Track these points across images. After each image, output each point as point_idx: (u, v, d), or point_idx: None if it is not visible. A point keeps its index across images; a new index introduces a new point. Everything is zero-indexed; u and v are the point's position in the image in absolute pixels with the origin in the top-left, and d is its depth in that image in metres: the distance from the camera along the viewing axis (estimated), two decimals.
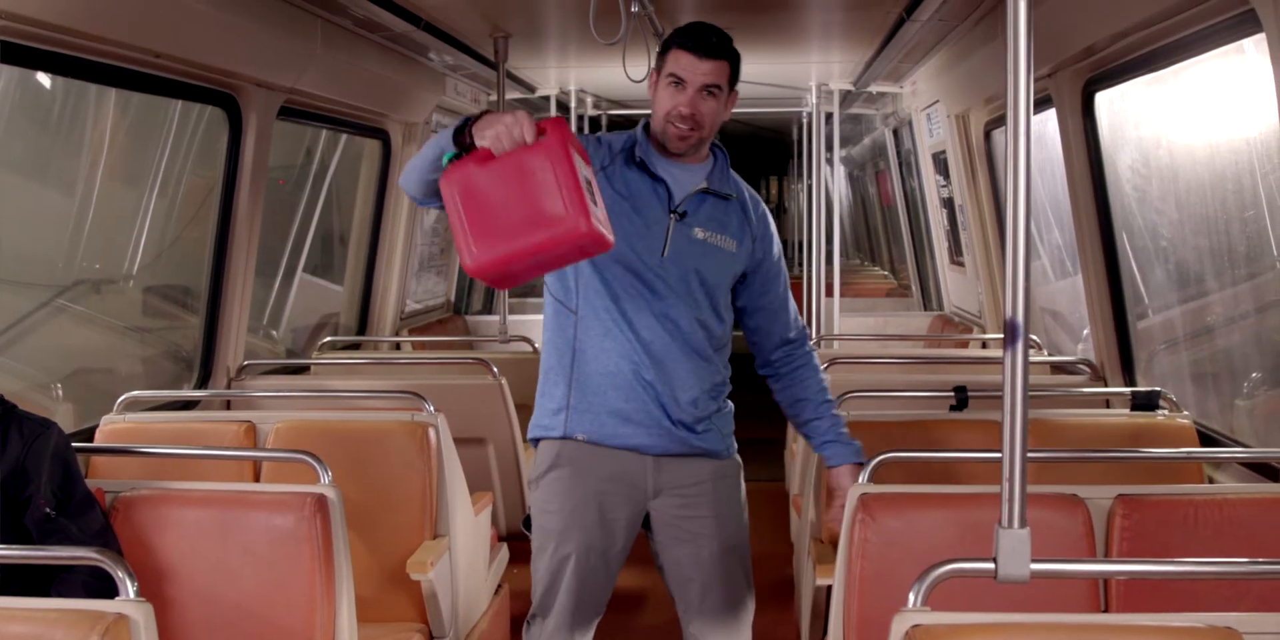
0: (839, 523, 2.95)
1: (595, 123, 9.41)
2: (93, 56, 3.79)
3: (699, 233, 2.98)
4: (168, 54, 4.04)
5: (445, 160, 2.67)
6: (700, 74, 2.88)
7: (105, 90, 5.01)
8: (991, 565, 2.07)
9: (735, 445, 3.24)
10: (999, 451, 3.39)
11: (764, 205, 3.14)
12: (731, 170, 3.10)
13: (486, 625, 4.00)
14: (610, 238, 2.66)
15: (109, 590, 2.46)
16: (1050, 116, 4.81)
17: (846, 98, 8.16)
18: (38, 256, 5.15)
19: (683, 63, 2.88)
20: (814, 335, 7.58)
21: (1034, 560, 2.06)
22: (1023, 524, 2.04)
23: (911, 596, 2.14)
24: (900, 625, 2.07)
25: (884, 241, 12.67)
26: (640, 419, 2.97)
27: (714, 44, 2.89)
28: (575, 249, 2.66)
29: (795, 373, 3.25)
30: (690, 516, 3.09)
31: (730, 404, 3.22)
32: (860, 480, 3.04)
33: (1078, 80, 4.52)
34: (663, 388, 2.97)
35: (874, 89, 7.84)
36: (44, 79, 4.88)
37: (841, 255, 8.07)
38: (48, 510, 2.64)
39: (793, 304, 3.24)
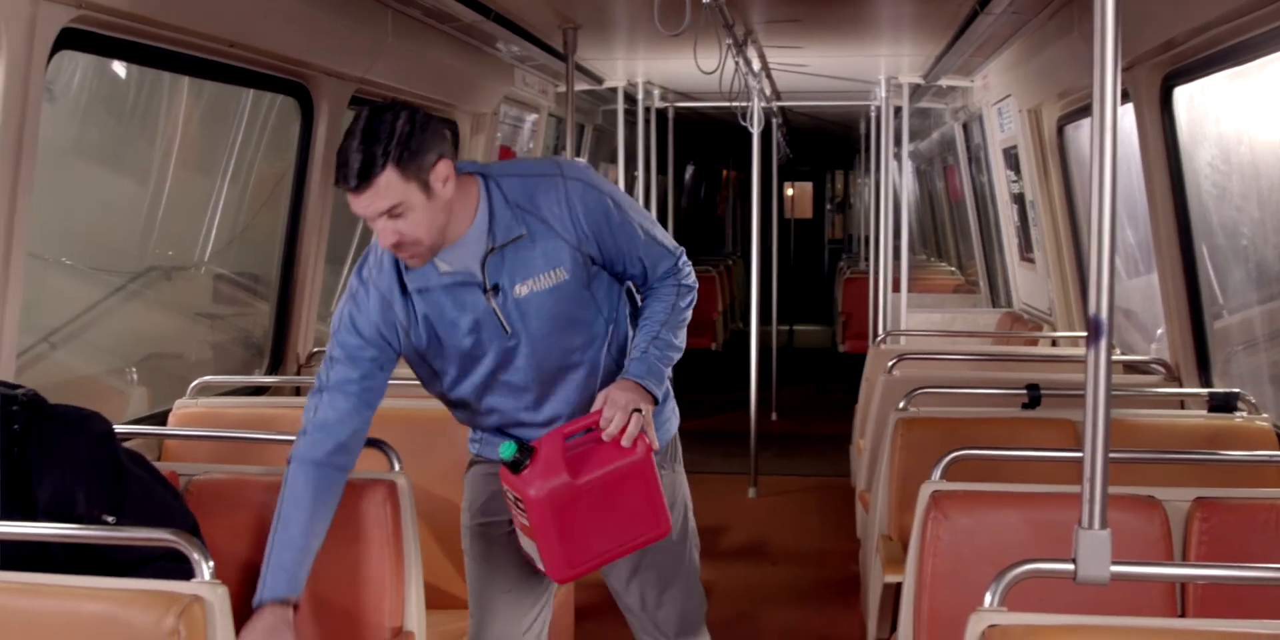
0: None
1: (661, 115, 9.40)
2: (168, 45, 3.82)
3: (520, 289, 2.67)
4: (241, 43, 4.07)
5: (507, 456, 2.58)
6: (365, 207, 2.49)
7: (179, 79, 5.06)
8: (1070, 566, 2.04)
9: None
10: (1075, 450, 3.36)
11: (567, 188, 2.69)
12: (510, 179, 2.69)
13: (551, 614, 4.00)
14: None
15: (184, 576, 2.48)
16: (1125, 111, 4.74)
17: (916, 91, 8.08)
18: (112, 244, 5.22)
19: (352, 204, 2.51)
20: (880, 331, 7.55)
21: (1113, 562, 2.03)
22: (1103, 525, 2.01)
23: (988, 596, 2.11)
24: (976, 625, 2.05)
25: (951, 237, 12.57)
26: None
27: (355, 171, 2.44)
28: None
29: (645, 302, 2.92)
30: None
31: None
32: (933, 478, 3.00)
33: (1156, 75, 4.44)
34: (570, 416, 2.82)
35: (944, 83, 7.77)
36: (119, 68, 4.93)
37: (908, 251, 8.00)
38: (107, 518, 2.56)
39: (659, 245, 2.85)
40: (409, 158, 2.47)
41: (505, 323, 2.68)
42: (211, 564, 2.26)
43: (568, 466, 2.58)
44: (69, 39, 3.25)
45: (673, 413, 3.05)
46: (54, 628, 2.20)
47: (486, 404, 2.82)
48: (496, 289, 2.66)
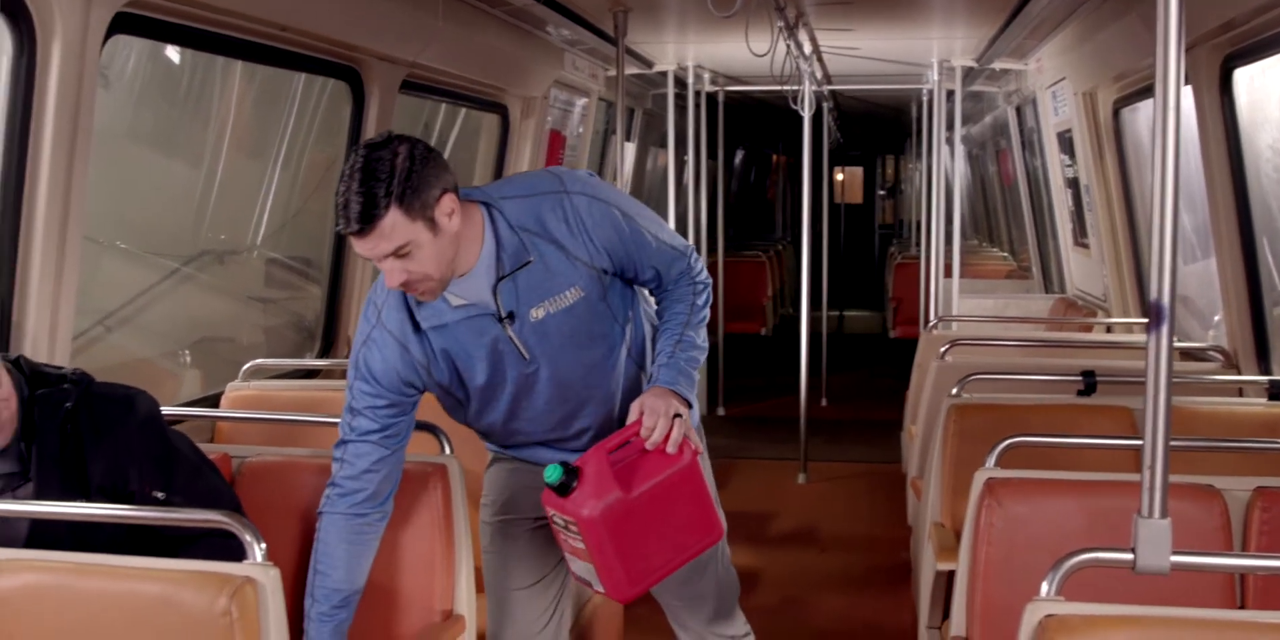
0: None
1: (711, 99, 9.35)
2: (220, 29, 3.84)
3: (536, 313, 2.60)
4: (293, 27, 4.07)
5: (554, 479, 2.50)
6: (370, 249, 2.39)
7: (231, 64, 5.08)
8: (1129, 556, 2.01)
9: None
10: (1132, 438, 3.32)
11: (572, 202, 2.60)
12: (513, 202, 2.60)
13: (601, 599, 4.00)
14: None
15: (233, 556, 2.49)
16: (1184, 94, 4.66)
17: (969, 75, 8.00)
18: (165, 227, 5.25)
19: (356, 247, 2.42)
20: (932, 316, 7.49)
21: (1173, 552, 1.99)
22: (1163, 514, 1.97)
23: (1045, 585, 2.08)
24: (1033, 614, 2.02)
25: (1004, 222, 12.46)
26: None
27: (360, 212, 2.33)
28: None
29: (662, 305, 2.86)
30: None
31: None
32: (987, 465, 2.97)
33: (1216, 56, 4.36)
34: (599, 428, 2.80)
35: (997, 66, 7.69)
36: (173, 54, 4.95)
37: (960, 236, 7.93)
38: (157, 494, 2.59)
39: (670, 248, 2.76)
40: (412, 195, 2.36)
41: (523, 349, 2.61)
42: (264, 546, 2.27)
43: (617, 482, 2.51)
44: (123, 23, 3.27)
45: (693, 403, 3.01)
46: (109, 607, 2.23)
47: (513, 428, 2.77)
48: (511, 316, 2.59)
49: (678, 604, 3.03)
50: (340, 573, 2.62)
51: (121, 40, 3.56)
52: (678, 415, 2.58)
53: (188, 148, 5.51)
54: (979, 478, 2.90)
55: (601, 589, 2.57)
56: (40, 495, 2.49)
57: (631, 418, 2.60)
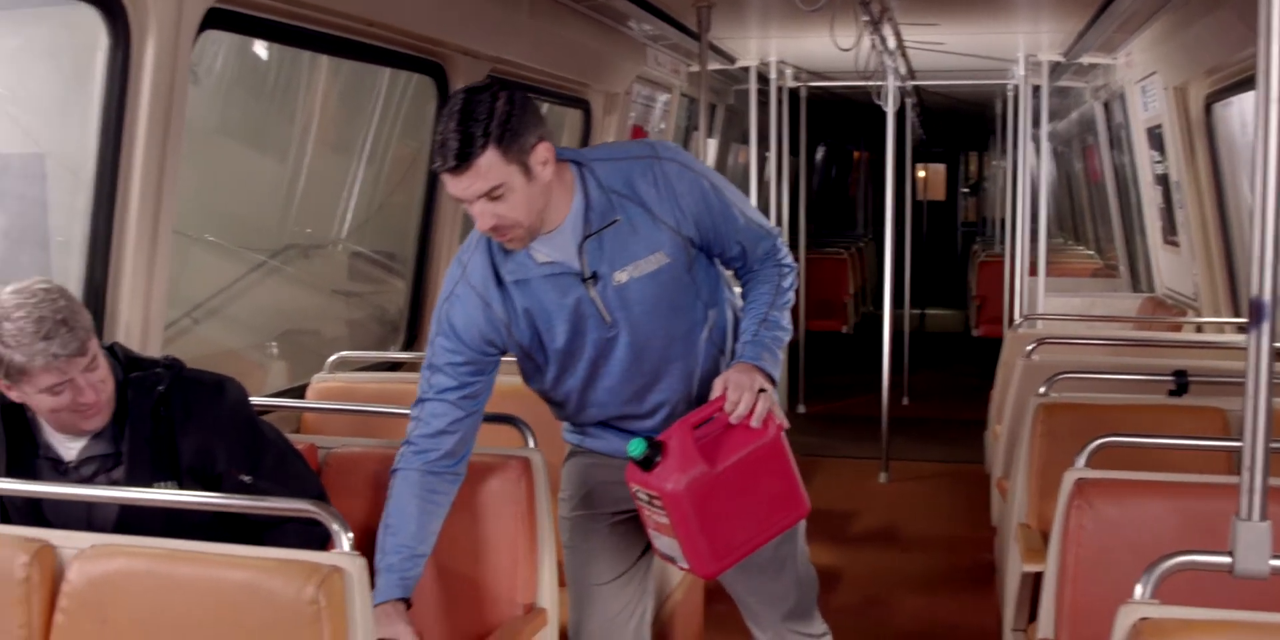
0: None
1: (794, 95, 9.30)
2: (308, 25, 3.87)
3: (620, 276, 2.58)
4: (379, 22, 4.10)
5: (637, 453, 2.49)
6: (466, 188, 2.40)
7: (317, 60, 5.13)
8: (1227, 559, 1.96)
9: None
10: (1226, 439, 3.25)
11: (662, 168, 2.60)
12: (605, 164, 2.61)
13: (682, 595, 4.00)
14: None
15: (320, 541, 2.52)
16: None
17: (1055, 70, 7.89)
18: (253, 221, 5.32)
19: (449, 184, 2.42)
20: (1017, 315, 7.40)
21: (1272, 555, 1.95)
22: (1263, 517, 1.93)
23: (1139, 588, 2.04)
24: (1126, 617, 1.98)
25: (1090, 220, 12.27)
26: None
27: (455, 152, 2.36)
28: None
29: (747, 287, 2.85)
30: None
31: None
32: (1077, 465, 2.92)
33: None
34: (675, 405, 2.76)
35: (1085, 60, 7.57)
36: (260, 49, 5.02)
37: (1045, 234, 7.82)
38: (243, 478, 2.63)
39: (758, 226, 2.75)
40: (510, 138, 2.39)
41: (605, 311, 2.59)
42: (351, 535, 2.28)
43: (702, 456, 2.50)
44: (215, 18, 3.31)
45: (776, 383, 2.98)
46: (197, 594, 2.25)
47: (589, 399, 2.75)
48: (595, 277, 2.58)
49: (754, 600, 3.00)
50: (411, 529, 2.62)
51: (211, 36, 3.60)
52: (762, 390, 2.57)
53: (275, 143, 5.58)
54: (1069, 478, 2.85)
55: (686, 565, 2.55)
56: (131, 474, 2.55)
57: (715, 393, 2.59)
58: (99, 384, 2.51)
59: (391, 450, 2.85)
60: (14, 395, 2.50)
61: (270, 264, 5.17)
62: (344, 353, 4.25)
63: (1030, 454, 3.68)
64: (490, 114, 2.37)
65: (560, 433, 2.97)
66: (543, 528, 2.92)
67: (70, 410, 2.49)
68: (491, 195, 2.41)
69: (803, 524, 2.96)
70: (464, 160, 2.36)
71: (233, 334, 4.87)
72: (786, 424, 2.65)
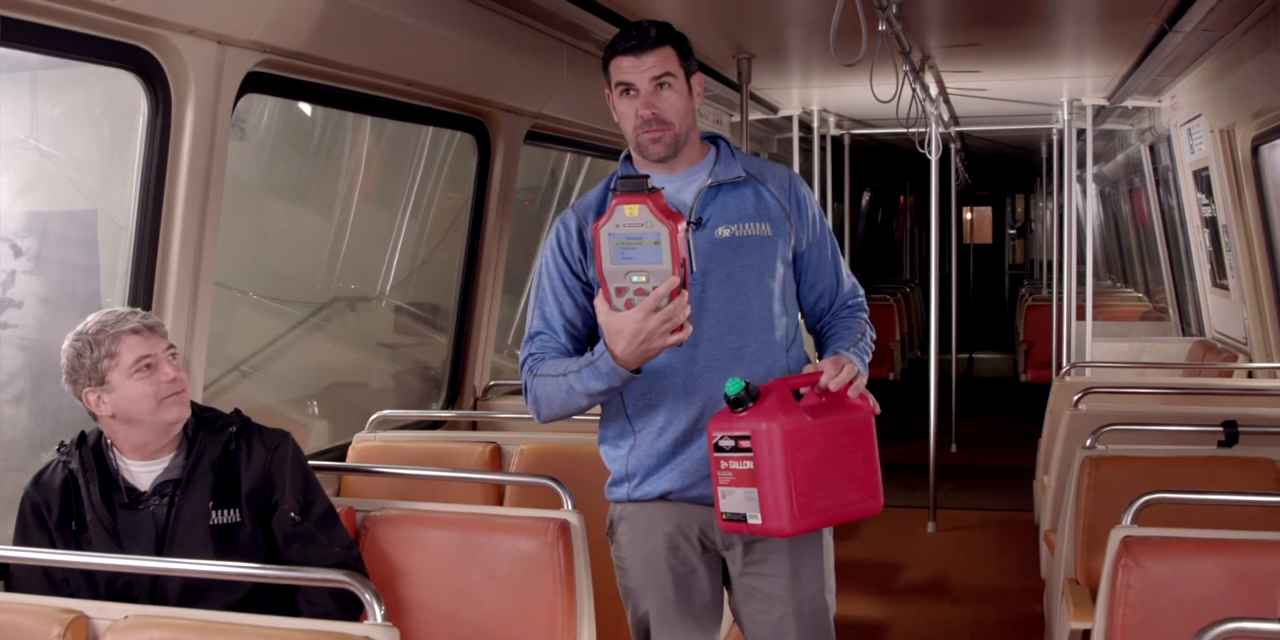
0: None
1: (837, 142, 9.30)
2: (349, 86, 3.91)
3: (723, 231, 2.70)
4: (420, 83, 4.14)
5: (734, 391, 2.47)
6: (644, 69, 2.61)
7: (361, 116, 5.18)
8: (1277, 626, 1.90)
9: None
10: (1277, 494, 3.17)
11: (798, 179, 2.82)
12: (741, 154, 2.82)
13: None
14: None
15: (354, 602, 2.51)
16: None
17: (1100, 113, 7.86)
18: (298, 275, 5.36)
19: (624, 67, 2.63)
20: (1065, 362, 7.31)
21: None
22: None
23: None
24: None
25: (1138, 262, 12.15)
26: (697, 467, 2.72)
27: (649, 34, 2.62)
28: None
29: (832, 326, 2.88)
30: (759, 574, 2.78)
31: None
32: (1124, 522, 2.86)
33: None
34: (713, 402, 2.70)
35: (1130, 104, 7.52)
36: (305, 107, 5.07)
37: (1093, 277, 7.75)
38: (293, 515, 2.75)
39: (848, 275, 2.91)
40: (684, 49, 2.67)
41: (693, 259, 2.61)
42: (383, 609, 2.26)
43: (800, 408, 2.49)
44: (255, 82, 3.35)
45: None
46: None
47: (654, 367, 2.64)
48: (700, 224, 2.69)
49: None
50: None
51: (256, 95, 3.64)
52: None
53: (320, 198, 5.62)
54: (1115, 536, 2.79)
55: (758, 520, 2.47)
56: (190, 492, 2.69)
57: (808, 371, 2.61)
58: (181, 370, 2.70)
59: (431, 514, 2.84)
60: (104, 405, 2.64)
61: (312, 320, 5.19)
62: (385, 412, 4.26)
63: (1077, 508, 3.62)
64: (670, 27, 2.67)
65: (601, 495, 2.91)
66: (581, 591, 2.89)
67: (160, 397, 2.65)
68: (660, 81, 2.62)
69: (827, 623, 2.87)
70: (656, 42, 2.61)
71: (274, 391, 4.88)
72: (879, 410, 2.62)
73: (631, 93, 2.64)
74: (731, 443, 2.48)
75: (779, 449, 2.43)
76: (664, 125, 2.64)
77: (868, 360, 2.77)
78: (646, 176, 2.45)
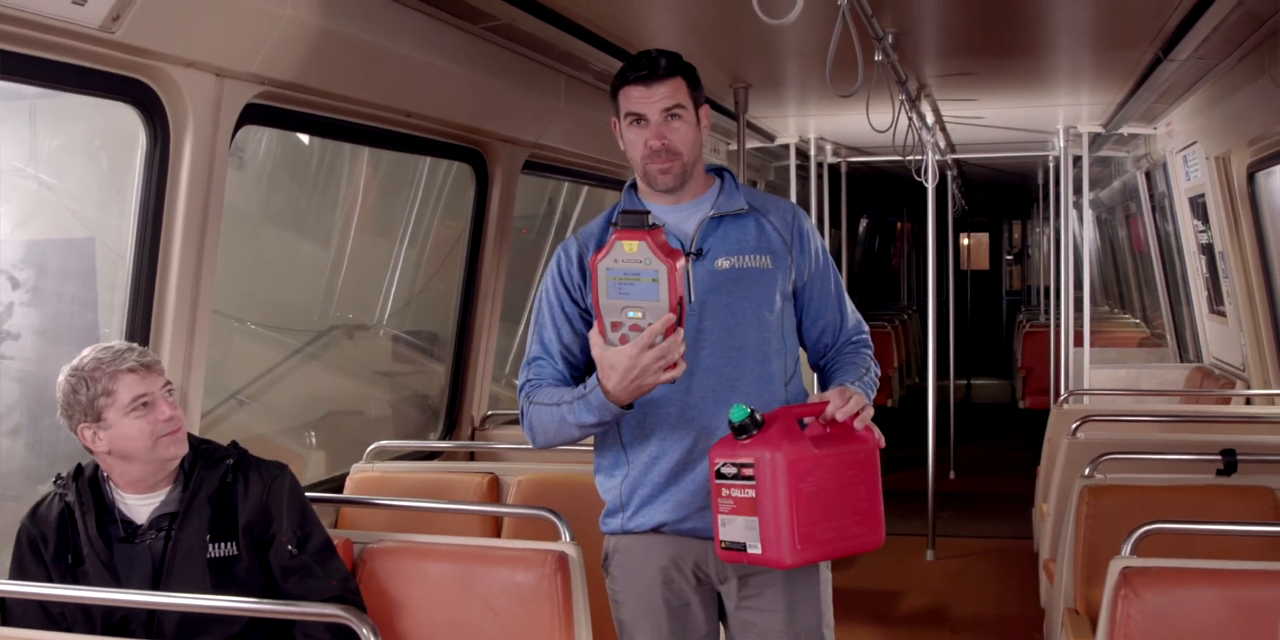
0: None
1: (834, 170, 9.32)
2: (346, 117, 3.92)
3: (723, 262, 2.70)
4: (418, 113, 4.15)
5: (739, 417, 2.46)
6: (655, 100, 2.64)
7: (358, 147, 5.19)
8: None
9: None
10: (1276, 524, 3.17)
11: (801, 214, 2.84)
12: (746, 187, 2.84)
13: None
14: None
15: (351, 635, 2.50)
16: None
17: (1095, 140, 7.87)
18: (296, 304, 5.36)
19: (634, 97, 2.66)
20: (1063, 388, 7.30)
21: None
22: None
23: None
24: None
25: (1135, 288, 12.17)
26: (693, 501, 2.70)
27: (659, 65, 2.65)
28: None
29: (837, 361, 2.88)
30: (755, 608, 2.76)
31: None
32: (1123, 553, 2.85)
33: None
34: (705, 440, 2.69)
35: (1125, 131, 7.55)
36: (303, 136, 5.08)
37: (1090, 302, 7.76)
38: (290, 548, 2.75)
39: (852, 310, 2.92)
40: (694, 81, 2.71)
41: (691, 289, 2.65)
42: None
43: (804, 438, 2.47)
44: (253, 114, 3.36)
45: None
46: None
47: (651, 403, 2.65)
48: (700, 254, 2.70)
49: None
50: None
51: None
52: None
53: (317, 227, 5.63)
54: (1114, 567, 2.79)
55: (758, 550, 2.45)
56: (186, 525, 2.67)
57: (814, 399, 2.60)
58: (178, 409, 2.70)
59: (429, 546, 2.82)
60: (100, 441, 2.64)
61: (309, 350, 5.19)
62: (383, 442, 4.26)
63: (1076, 537, 3.61)
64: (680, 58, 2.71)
65: (598, 526, 2.90)
66: (579, 625, 2.88)
67: (157, 436, 2.64)
68: (671, 112, 2.65)
69: (829, 594, 2.85)
70: (667, 73, 2.64)
71: (271, 420, 4.88)
72: (884, 443, 2.60)
73: (641, 123, 2.66)
74: (734, 470, 2.46)
75: (783, 478, 2.42)
76: (673, 156, 2.67)
77: (873, 395, 2.75)
78: (647, 213, 2.44)
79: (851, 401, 2.55)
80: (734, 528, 2.48)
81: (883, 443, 2.60)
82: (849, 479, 2.52)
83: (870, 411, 2.59)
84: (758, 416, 2.47)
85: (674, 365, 2.43)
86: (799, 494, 2.43)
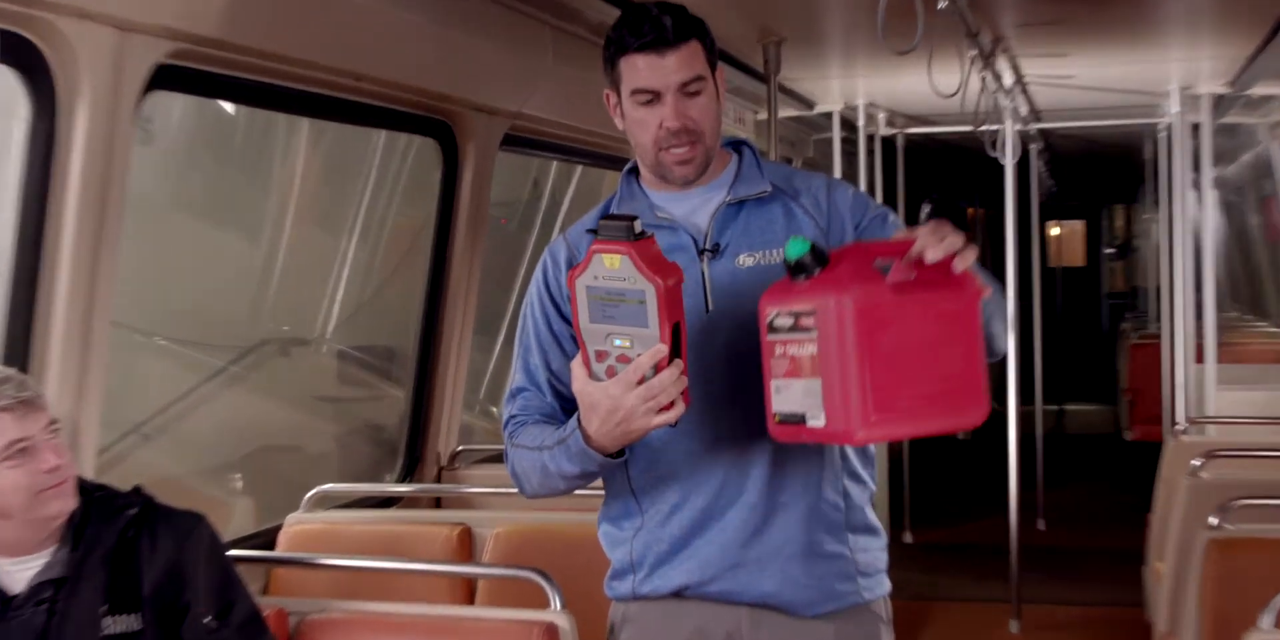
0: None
1: (888, 144, 9.34)
2: (283, 81, 3.92)
3: (745, 260, 2.65)
4: (369, 76, 4.15)
5: (796, 253, 2.36)
6: (668, 73, 2.56)
7: (296, 119, 5.20)
8: None
9: (880, 585, 2.79)
10: None
11: (833, 183, 2.78)
12: (769, 163, 2.79)
13: None
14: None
15: None
16: None
17: (1220, 104, 7.90)
18: (217, 314, 5.37)
19: (640, 68, 2.57)
20: (1179, 415, 7.30)
21: None
22: None
23: None
24: None
25: (1272, 289, 12.18)
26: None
27: (669, 26, 2.55)
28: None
29: None
30: None
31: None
32: (1261, 625, 2.84)
33: None
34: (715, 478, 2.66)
35: (1256, 92, 7.57)
36: (226, 106, 5.09)
37: (1214, 307, 7.77)
38: (208, 620, 2.72)
39: None
40: (710, 43, 2.63)
41: (709, 295, 2.61)
42: None
43: (881, 279, 2.33)
44: (164, 77, 3.35)
45: (883, 551, 2.88)
46: None
47: (660, 439, 2.62)
48: (716, 251, 2.66)
49: None
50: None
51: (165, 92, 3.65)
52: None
53: (245, 217, 5.64)
54: None
55: (820, 421, 2.32)
56: (76, 594, 2.63)
57: (900, 235, 2.48)
58: (64, 455, 2.63)
59: (381, 616, 2.81)
60: None
61: (233, 370, 5.19)
62: (326, 486, 4.26)
63: (1201, 604, 3.63)
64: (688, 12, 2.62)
65: (598, 591, 2.89)
66: None
67: (36, 490, 2.58)
68: (689, 89, 2.57)
69: None
70: (680, 36, 2.55)
71: (185, 460, 4.88)
72: (989, 291, 2.48)
73: (653, 101, 2.60)
74: (790, 321, 2.34)
75: (851, 328, 2.27)
76: (695, 138, 2.61)
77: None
78: (634, 218, 2.35)
79: (946, 241, 2.37)
80: (790, 395, 2.36)
81: (987, 291, 2.47)
82: (940, 336, 2.37)
83: (974, 253, 2.38)
84: (821, 252, 2.35)
85: (669, 406, 2.36)
86: (874, 349, 2.29)
